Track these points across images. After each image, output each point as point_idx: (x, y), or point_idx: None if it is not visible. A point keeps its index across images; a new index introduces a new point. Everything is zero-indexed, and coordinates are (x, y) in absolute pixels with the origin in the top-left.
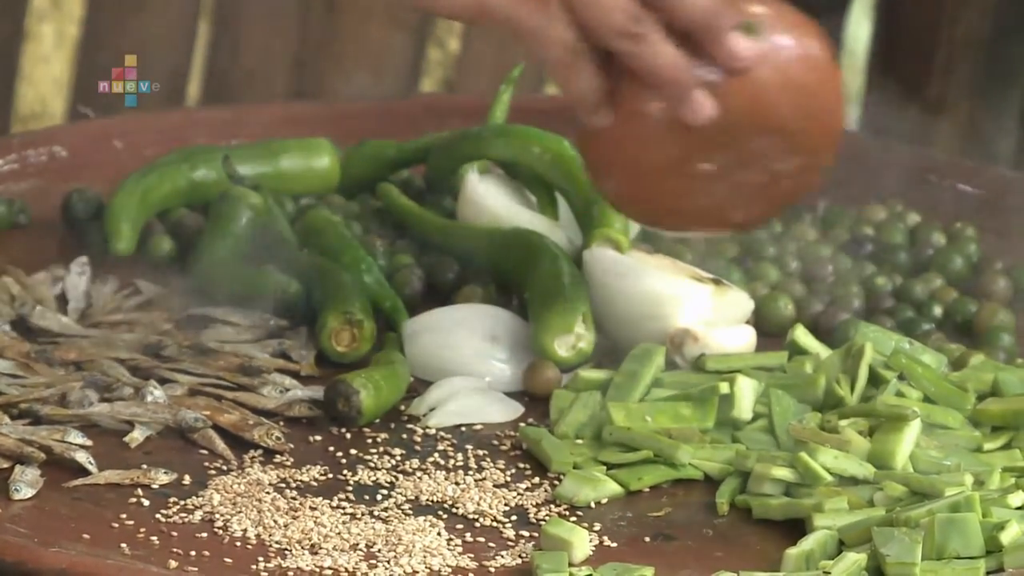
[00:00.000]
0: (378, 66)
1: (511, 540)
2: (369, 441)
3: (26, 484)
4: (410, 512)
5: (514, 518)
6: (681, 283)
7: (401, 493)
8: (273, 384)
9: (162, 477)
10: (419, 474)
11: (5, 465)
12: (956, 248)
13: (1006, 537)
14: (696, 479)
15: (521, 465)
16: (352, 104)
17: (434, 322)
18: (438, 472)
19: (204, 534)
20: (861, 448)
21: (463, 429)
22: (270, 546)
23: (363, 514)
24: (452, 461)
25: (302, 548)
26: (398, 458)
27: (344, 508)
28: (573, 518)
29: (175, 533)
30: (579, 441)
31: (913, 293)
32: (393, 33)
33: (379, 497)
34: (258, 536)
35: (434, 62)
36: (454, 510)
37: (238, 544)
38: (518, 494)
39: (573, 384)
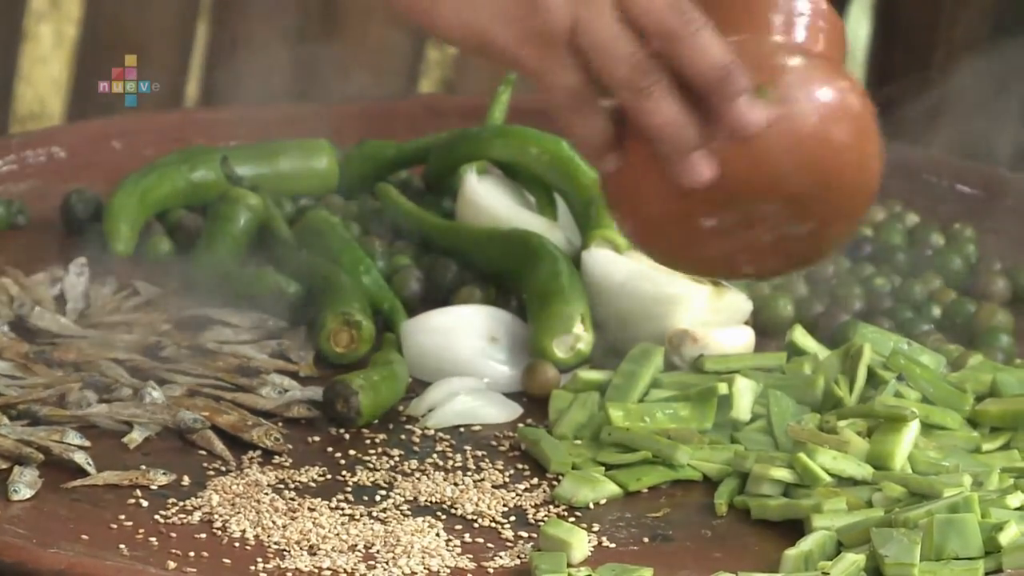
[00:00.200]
0: (377, 67)
1: (510, 541)
2: (368, 442)
3: (25, 485)
4: (409, 513)
5: (513, 519)
6: (680, 284)
7: (400, 494)
8: (272, 385)
9: (161, 478)
10: (418, 475)
11: (4, 466)
12: (955, 249)
13: (1005, 538)
14: (695, 480)
15: (520, 466)
16: (351, 105)
17: (433, 323)
18: (437, 473)
19: (203, 535)
20: (860, 449)
21: (462, 430)
22: (269, 547)
23: (362, 515)
24: (451, 462)
25: (301, 549)
26: (397, 459)
27: (343, 509)
28: (572, 519)
29: (174, 534)
30: (578, 442)
31: (912, 294)
32: (392, 33)
33: (378, 498)
34: (257, 537)
35: (433, 62)
36: (453, 511)
37: (237, 545)
38: (517, 495)
39: (572, 385)
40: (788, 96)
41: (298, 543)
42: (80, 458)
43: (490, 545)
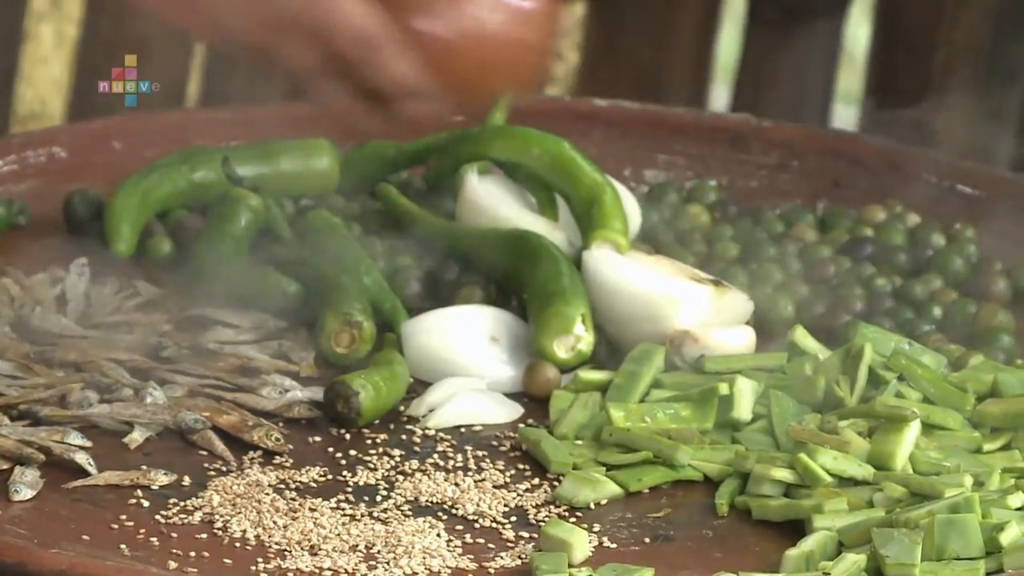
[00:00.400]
0: None
1: (511, 541)
2: (368, 442)
3: (26, 485)
4: (409, 513)
5: (514, 519)
6: (680, 284)
7: (400, 494)
8: (272, 385)
9: (162, 478)
10: (418, 475)
11: (5, 466)
12: (955, 249)
13: (1006, 538)
14: (696, 480)
15: (521, 466)
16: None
17: (433, 323)
18: (437, 473)
19: (204, 535)
20: (861, 449)
21: (462, 430)
22: (269, 547)
23: (362, 515)
24: (451, 462)
25: (301, 549)
26: (397, 459)
27: (343, 509)
28: (573, 519)
29: (175, 534)
30: (579, 442)
31: (913, 294)
32: None
33: (378, 498)
34: (257, 537)
35: None
36: (454, 511)
37: (237, 545)
38: (518, 495)
39: (572, 385)
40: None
41: (299, 543)
42: (81, 458)
43: (491, 545)
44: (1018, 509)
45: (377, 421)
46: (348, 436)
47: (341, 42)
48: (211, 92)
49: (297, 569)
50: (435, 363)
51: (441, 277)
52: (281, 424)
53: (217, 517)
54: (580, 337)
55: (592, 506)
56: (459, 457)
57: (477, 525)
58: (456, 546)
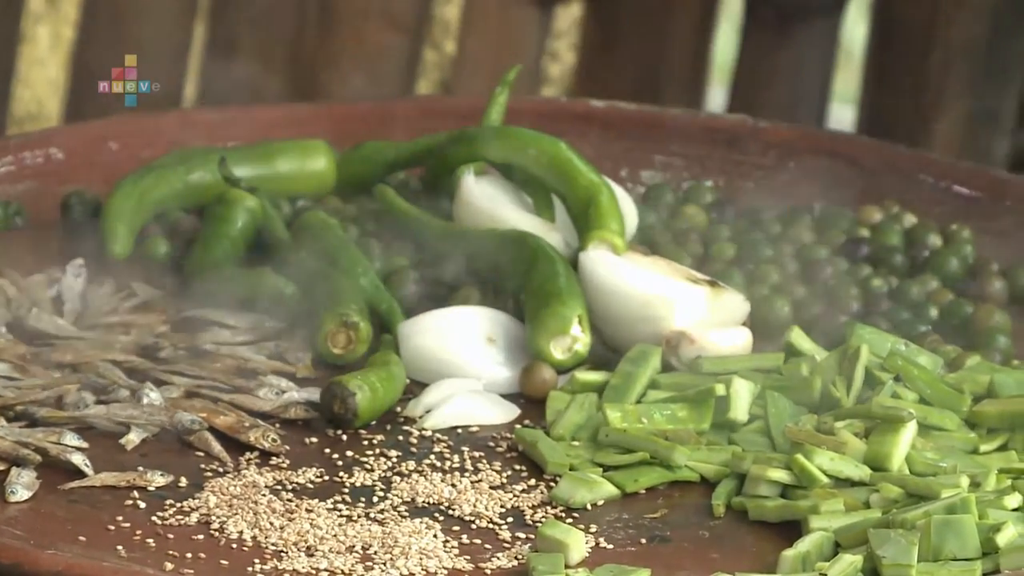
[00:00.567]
0: (374, 68)
1: (507, 542)
2: (365, 443)
3: (22, 486)
4: (406, 514)
5: (510, 520)
6: (677, 285)
7: (397, 495)
8: (269, 386)
9: (158, 479)
10: (415, 476)
11: (1, 467)
12: (952, 250)
13: (1002, 539)
14: (692, 481)
15: (517, 467)
16: (348, 106)
17: (430, 324)
18: (434, 474)
19: (200, 536)
20: (857, 450)
21: (459, 431)
22: (266, 548)
23: (359, 516)
24: (448, 463)
25: (298, 550)
26: (394, 460)
27: (340, 510)
28: (569, 520)
29: (171, 535)
30: (575, 443)
31: (909, 295)
32: (389, 35)
33: (375, 499)
34: (254, 538)
35: (430, 64)
36: (450, 512)
37: (234, 546)
38: (514, 496)
39: (569, 386)
40: None
41: (295, 544)
42: (78, 459)
43: (487, 546)
44: (1014, 510)
45: (374, 422)
46: (345, 437)
47: None
48: (208, 93)
49: (294, 570)
50: (432, 364)
51: (438, 278)
52: (278, 425)
53: (214, 518)
54: (577, 338)
55: (589, 507)
56: (456, 458)
57: (474, 526)
58: (452, 547)
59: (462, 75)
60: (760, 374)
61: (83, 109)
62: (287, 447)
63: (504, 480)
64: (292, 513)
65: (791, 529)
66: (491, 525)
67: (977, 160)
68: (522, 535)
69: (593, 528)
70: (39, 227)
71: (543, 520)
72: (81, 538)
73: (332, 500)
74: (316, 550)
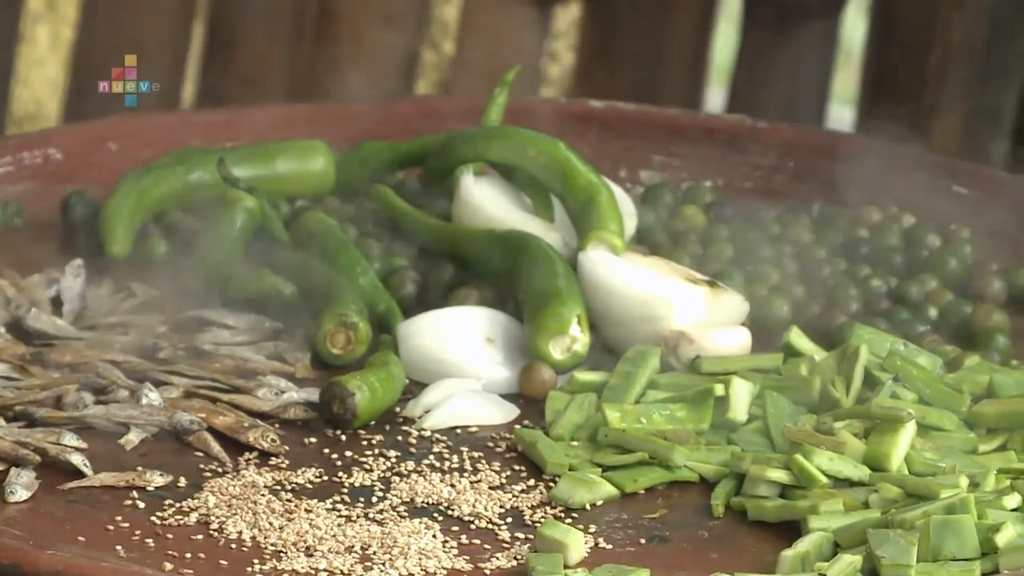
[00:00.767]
0: (373, 68)
1: (506, 542)
2: (364, 443)
3: (22, 486)
4: (405, 514)
5: (509, 520)
6: (676, 285)
7: (396, 495)
8: (268, 386)
9: (157, 479)
10: (414, 476)
11: (1, 468)
12: (951, 250)
13: (1001, 539)
14: (691, 481)
15: (516, 467)
16: (347, 106)
17: (429, 324)
18: (433, 474)
19: (199, 536)
20: (856, 450)
21: (458, 431)
22: (265, 548)
23: (358, 516)
24: (447, 463)
25: (297, 550)
26: (393, 460)
27: (339, 510)
28: (568, 520)
29: (170, 535)
30: (574, 443)
31: (908, 295)
32: (388, 35)
33: (374, 499)
34: (253, 538)
35: (429, 64)
36: (449, 512)
37: (233, 546)
38: (513, 496)
39: (568, 386)
40: None
41: (295, 544)
42: (77, 460)
43: (487, 546)
44: (1013, 510)
45: (373, 422)
46: (344, 437)
47: None
48: (207, 93)
49: (293, 570)
50: (431, 364)
51: (437, 278)
52: (277, 425)
53: (213, 518)
54: (576, 338)
55: (588, 507)
56: (455, 458)
57: (473, 526)
58: (452, 547)
59: (461, 75)
60: (759, 374)
61: (82, 109)
62: (286, 447)
63: (503, 480)
64: (291, 513)
65: (790, 529)
66: (490, 525)
67: (976, 160)
68: (521, 535)
69: (592, 528)
70: (38, 227)
71: (542, 520)
72: (80, 538)
73: (331, 500)
74: (315, 550)
